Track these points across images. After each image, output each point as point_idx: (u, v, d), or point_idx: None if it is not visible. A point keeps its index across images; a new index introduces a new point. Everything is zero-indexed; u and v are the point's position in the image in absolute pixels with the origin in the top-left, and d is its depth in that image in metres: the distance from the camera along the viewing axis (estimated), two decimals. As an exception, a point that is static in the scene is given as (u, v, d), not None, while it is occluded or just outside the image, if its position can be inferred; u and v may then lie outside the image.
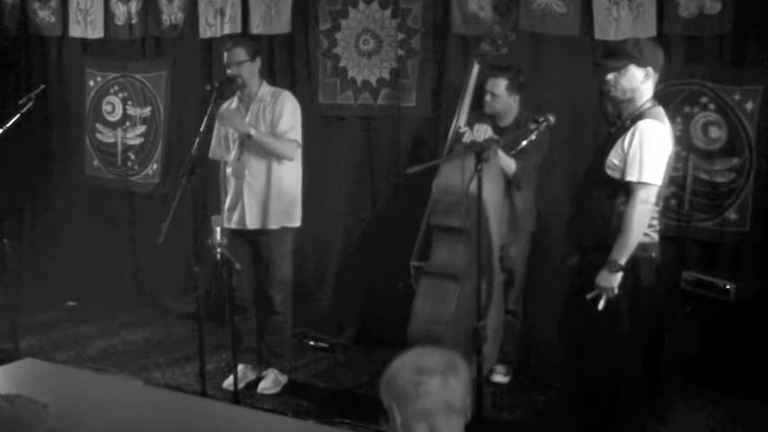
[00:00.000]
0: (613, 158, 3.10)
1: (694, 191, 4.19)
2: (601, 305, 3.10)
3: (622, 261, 3.05)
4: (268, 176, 4.14)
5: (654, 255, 3.15)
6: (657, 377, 3.48)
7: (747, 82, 4.04)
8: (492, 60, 4.14)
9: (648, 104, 3.12)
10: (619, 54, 3.14)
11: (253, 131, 4.02)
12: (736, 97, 4.06)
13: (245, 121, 4.09)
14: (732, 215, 4.12)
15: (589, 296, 3.12)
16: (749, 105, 4.04)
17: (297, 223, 4.28)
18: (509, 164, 4.02)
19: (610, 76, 3.13)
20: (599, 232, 3.13)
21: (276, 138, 4.09)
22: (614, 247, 3.06)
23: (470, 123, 4.11)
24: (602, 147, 3.23)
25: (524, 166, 4.05)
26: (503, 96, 4.15)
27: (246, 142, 4.08)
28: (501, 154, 3.96)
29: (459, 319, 3.82)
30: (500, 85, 4.13)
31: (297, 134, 4.16)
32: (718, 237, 4.16)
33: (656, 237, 3.17)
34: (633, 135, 3.04)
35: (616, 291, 3.08)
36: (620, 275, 3.07)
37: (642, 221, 3.05)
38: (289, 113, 4.13)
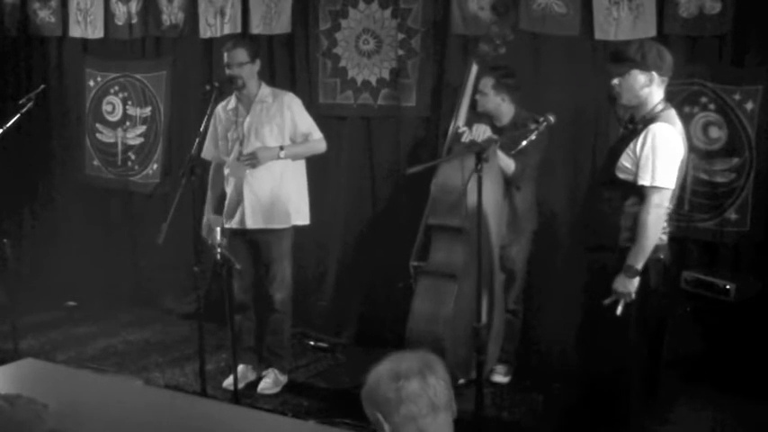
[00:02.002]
0: (624, 161, 3.09)
1: (694, 191, 4.18)
2: (619, 310, 3.10)
3: (639, 266, 3.05)
4: (271, 176, 4.15)
5: (662, 256, 3.15)
6: (657, 377, 3.48)
7: (747, 82, 4.03)
8: (491, 61, 4.14)
9: (660, 107, 3.11)
10: (621, 59, 3.13)
11: (282, 150, 4.12)
12: (736, 97, 4.05)
13: (271, 142, 4.14)
14: (732, 215, 4.12)
15: (606, 301, 3.11)
16: (749, 105, 4.03)
17: (304, 221, 4.32)
18: (508, 164, 4.02)
19: (615, 81, 3.13)
20: (607, 232, 3.13)
21: (304, 143, 4.21)
22: (630, 253, 3.06)
23: (469, 123, 4.12)
24: (614, 148, 3.22)
25: (524, 165, 4.05)
26: (490, 95, 4.16)
27: (250, 146, 4.11)
28: (500, 154, 3.96)
29: (457, 318, 3.82)
30: (487, 83, 4.16)
31: (316, 128, 4.26)
32: (718, 237, 4.15)
33: (665, 239, 3.17)
34: (645, 138, 3.03)
35: (633, 296, 3.07)
36: (636, 280, 3.06)
37: (657, 225, 3.05)
38: (302, 113, 4.24)
